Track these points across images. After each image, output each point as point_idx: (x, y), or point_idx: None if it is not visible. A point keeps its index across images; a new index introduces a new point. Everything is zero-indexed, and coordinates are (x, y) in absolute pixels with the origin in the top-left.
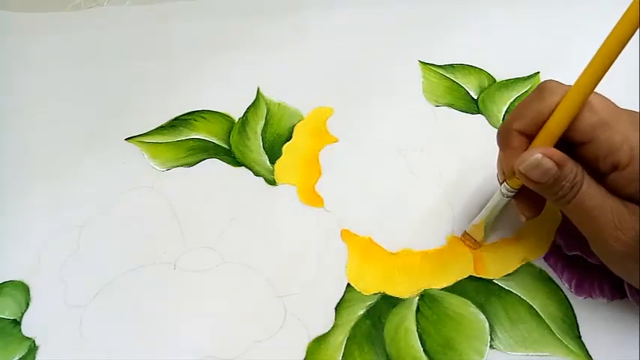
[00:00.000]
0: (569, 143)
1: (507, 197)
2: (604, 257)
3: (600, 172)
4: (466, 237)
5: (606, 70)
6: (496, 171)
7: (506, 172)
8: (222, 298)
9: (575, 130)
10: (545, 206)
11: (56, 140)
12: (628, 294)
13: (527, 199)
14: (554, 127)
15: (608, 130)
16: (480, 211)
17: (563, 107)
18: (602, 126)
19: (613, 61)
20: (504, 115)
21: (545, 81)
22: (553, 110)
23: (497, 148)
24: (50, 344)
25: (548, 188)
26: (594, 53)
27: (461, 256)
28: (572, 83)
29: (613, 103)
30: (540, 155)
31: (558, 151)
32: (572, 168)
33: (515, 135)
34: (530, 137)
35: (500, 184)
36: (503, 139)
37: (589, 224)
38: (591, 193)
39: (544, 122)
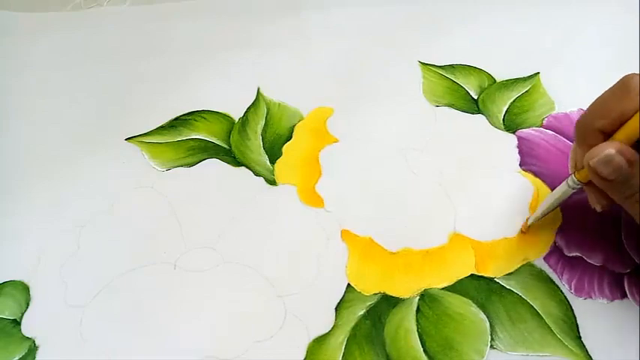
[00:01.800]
0: None
1: (573, 189)
2: None
3: None
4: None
5: None
6: (496, 170)
7: (577, 165)
8: (222, 298)
9: None
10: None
11: (56, 140)
12: (628, 293)
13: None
14: (634, 128)
15: None
16: (484, 210)
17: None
18: None
19: None
20: (504, 115)
21: (629, 76)
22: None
23: (497, 147)
24: (50, 344)
25: (617, 186)
26: None
27: (462, 253)
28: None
29: None
30: (613, 151)
31: (631, 149)
32: None
33: (596, 133)
34: (608, 136)
35: (570, 174)
36: (582, 135)
37: None
38: None
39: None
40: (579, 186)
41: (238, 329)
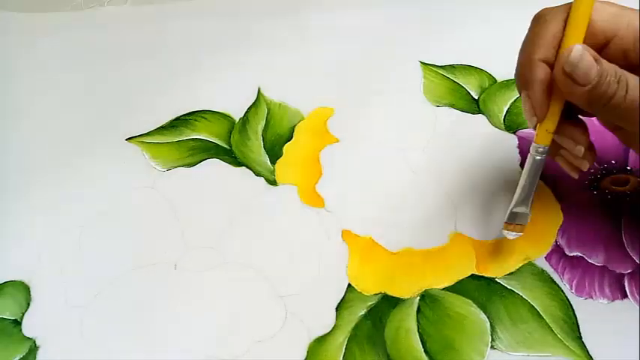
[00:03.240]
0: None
1: (539, 157)
2: None
3: (630, 64)
4: (512, 226)
5: None
6: (497, 169)
7: (537, 108)
8: (222, 298)
9: (595, 33)
10: (548, 207)
11: (56, 140)
12: (629, 294)
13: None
14: (579, 25)
15: (625, 19)
16: (482, 209)
17: (578, 7)
18: (617, 17)
19: None
20: (505, 115)
21: (536, 14)
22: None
23: (498, 147)
24: (51, 344)
25: (595, 90)
26: None
27: (463, 254)
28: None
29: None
30: (581, 47)
31: (589, 47)
32: (608, 63)
33: (540, 65)
34: (551, 66)
35: (534, 127)
36: (527, 73)
37: None
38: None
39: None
40: (545, 151)
41: (239, 329)
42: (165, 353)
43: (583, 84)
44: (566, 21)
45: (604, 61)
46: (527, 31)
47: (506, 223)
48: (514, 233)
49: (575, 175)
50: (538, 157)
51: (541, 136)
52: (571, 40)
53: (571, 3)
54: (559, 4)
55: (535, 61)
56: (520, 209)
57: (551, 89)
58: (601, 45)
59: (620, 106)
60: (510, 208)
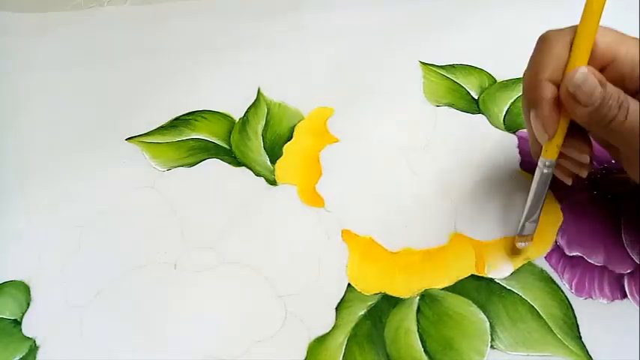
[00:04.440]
0: None
1: (547, 172)
2: None
3: (625, 89)
4: (524, 238)
5: None
6: (497, 169)
7: (547, 125)
8: (222, 298)
9: (594, 56)
10: (548, 207)
11: (56, 140)
12: (628, 294)
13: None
14: (584, 48)
15: (624, 46)
16: (482, 209)
17: (584, 29)
18: (618, 43)
19: None
20: (505, 115)
21: (542, 35)
22: (570, 49)
23: (498, 147)
24: (51, 344)
25: (596, 112)
26: None
27: (462, 254)
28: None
29: (610, 28)
30: (585, 69)
31: (596, 70)
32: (613, 87)
33: (547, 85)
34: (558, 86)
35: (538, 155)
36: (535, 93)
37: None
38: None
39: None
40: (552, 164)
41: (238, 329)
42: (165, 353)
43: (585, 105)
44: (571, 43)
45: (609, 85)
46: (532, 52)
47: (518, 235)
48: (526, 243)
49: (569, 182)
50: (546, 171)
51: (550, 151)
52: (576, 61)
53: (576, 26)
54: (562, 28)
55: (542, 81)
56: (530, 221)
57: (558, 107)
58: (599, 68)
59: (618, 130)
60: (522, 221)
